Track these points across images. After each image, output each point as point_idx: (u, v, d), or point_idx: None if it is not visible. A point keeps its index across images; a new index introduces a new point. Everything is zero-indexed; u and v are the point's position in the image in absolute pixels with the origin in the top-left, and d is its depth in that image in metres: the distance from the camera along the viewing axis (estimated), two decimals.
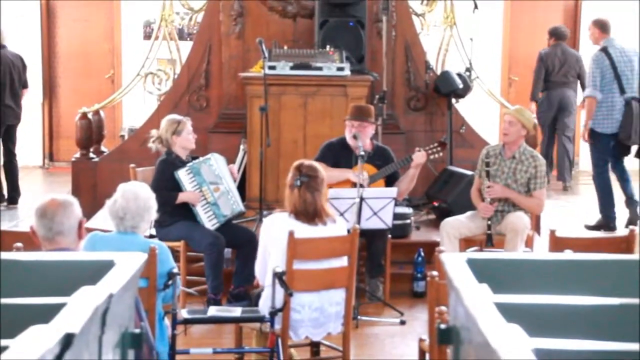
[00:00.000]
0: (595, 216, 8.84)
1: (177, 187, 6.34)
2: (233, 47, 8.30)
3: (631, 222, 8.42)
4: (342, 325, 5.03)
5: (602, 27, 8.64)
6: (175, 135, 6.41)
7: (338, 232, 5.04)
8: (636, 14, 11.42)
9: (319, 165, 5.10)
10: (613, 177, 8.76)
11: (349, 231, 5.11)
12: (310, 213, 4.95)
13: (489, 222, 6.49)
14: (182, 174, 6.34)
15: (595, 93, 8.43)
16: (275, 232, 4.90)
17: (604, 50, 8.52)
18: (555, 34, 10.37)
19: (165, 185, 6.25)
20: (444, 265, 2.71)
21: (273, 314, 4.65)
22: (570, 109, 10.34)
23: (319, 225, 4.96)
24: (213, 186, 6.42)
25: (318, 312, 4.93)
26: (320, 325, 4.96)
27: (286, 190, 5.03)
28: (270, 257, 4.89)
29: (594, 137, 8.54)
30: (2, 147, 9.38)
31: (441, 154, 6.98)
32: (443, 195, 7.80)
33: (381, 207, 6.20)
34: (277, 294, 4.63)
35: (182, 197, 6.33)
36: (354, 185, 6.33)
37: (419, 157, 6.68)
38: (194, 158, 6.51)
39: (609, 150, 8.59)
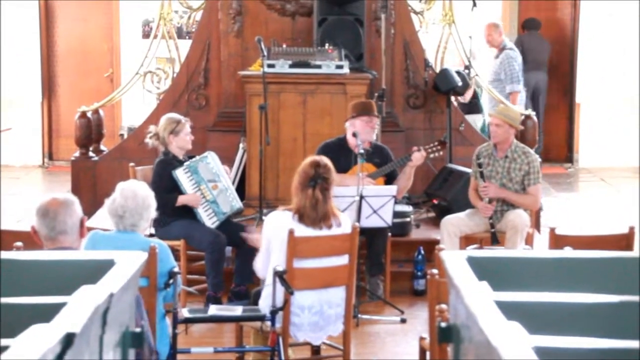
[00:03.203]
0: (597, 214, 8.86)
1: (176, 187, 6.34)
2: (232, 46, 8.30)
3: None
4: (342, 324, 5.02)
5: (499, 29, 9.50)
6: (173, 134, 6.41)
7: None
8: (636, 11, 11.43)
9: (332, 166, 5.02)
10: None
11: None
12: (319, 215, 4.85)
13: (491, 221, 6.48)
14: (180, 173, 6.34)
15: (520, 87, 9.21)
16: (279, 232, 4.86)
17: (512, 49, 9.34)
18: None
19: (165, 186, 6.25)
20: (444, 263, 2.71)
21: (274, 312, 4.65)
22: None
23: (324, 229, 4.89)
24: (211, 184, 6.43)
25: (318, 316, 4.90)
26: (320, 329, 4.93)
27: (295, 186, 4.90)
28: (272, 255, 4.87)
29: None
30: None
31: (441, 152, 6.98)
32: (443, 193, 7.80)
33: (381, 205, 6.21)
34: (277, 292, 4.63)
35: (182, 200, 6.33)
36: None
37: (418, 157, 6.67)
38: (191, 157, 6.51)
39: None
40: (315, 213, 4.86)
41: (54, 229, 3.64)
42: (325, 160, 4.99)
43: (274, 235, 4.89)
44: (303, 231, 4.84)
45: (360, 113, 6.64)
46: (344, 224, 4.99)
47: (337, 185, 6.10)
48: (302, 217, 4.86)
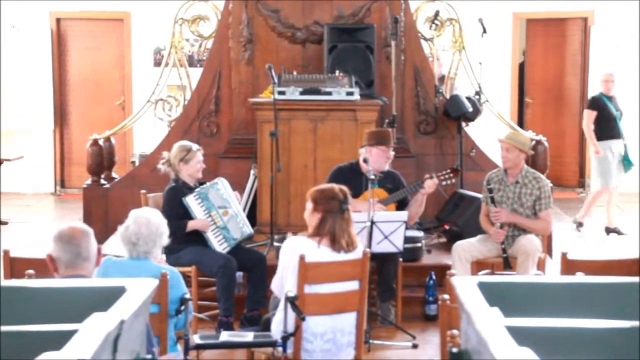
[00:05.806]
0: (608, 239, 8.82)
1: (187, 214, 6.35)
2: (243, 73, 8.34)
3: None
4: (354, 349, 5.00)
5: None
6: (183, 162, 6.43)
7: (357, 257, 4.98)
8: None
9: None
10: None
11: None
12: (351, 238, 4.86)
13: (503, 246, 6.46)
14: (191, 200, 6.36)
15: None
16: (296, 259, 4.82)
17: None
18: None
19: (175, 213, 6.25)
20: (455, 288, 2.71)
21: (285, 338, 4.64)
22: None
23: (350, 252, 4.89)
24: (222, 210, 6.44)
25: (330, 344, 4.88)
26: (333, 355, 4.90)
27: (324, 212, 4.84)
28: (286, 281, 4.84)
29: None
30: None
31: (454, 180, 6.97)
32: (454, 218, 7.79)
33: (392, 230, 6.20)
34: (289, 318, 4.62)
35: (191, 225, 6.34)
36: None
37: (430, 185, 6.66)
38: (202, 184, 6.53)
39: None
40: (348, 236, 4.86)
41: (80, 256, 3.60)
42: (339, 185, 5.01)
43: (291, 261, 4.85)
44: (331, 256, 4.82)
45: (379, 142, 6.64)
46: (358, 248, 5.00)
47: None
48: (335, 241, 4.83)
